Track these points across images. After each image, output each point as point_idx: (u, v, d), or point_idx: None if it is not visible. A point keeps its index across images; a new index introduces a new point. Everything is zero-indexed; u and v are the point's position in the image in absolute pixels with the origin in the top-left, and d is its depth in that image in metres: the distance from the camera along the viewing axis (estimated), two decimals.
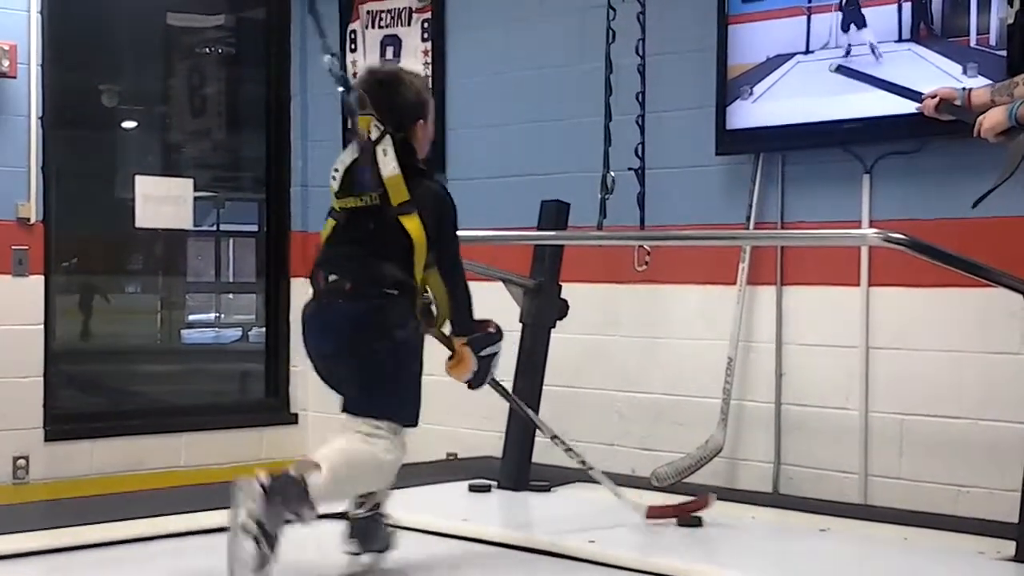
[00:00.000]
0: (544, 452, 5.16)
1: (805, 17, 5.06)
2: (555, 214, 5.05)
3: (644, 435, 5.59)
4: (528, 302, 4.92)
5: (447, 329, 3.69)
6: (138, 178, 6.65)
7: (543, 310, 4.93)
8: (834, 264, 5.08)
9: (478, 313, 3.71)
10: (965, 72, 4.61)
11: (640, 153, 5.58)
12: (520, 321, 4.97)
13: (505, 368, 4.77)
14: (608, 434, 5.71)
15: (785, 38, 5.11)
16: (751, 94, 5.20)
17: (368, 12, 6.73)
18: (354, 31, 6.78)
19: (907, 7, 4.79)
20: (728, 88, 5.25)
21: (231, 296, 8.38)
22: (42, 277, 6.20)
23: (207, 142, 7.56)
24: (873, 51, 4.86)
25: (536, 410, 4.91)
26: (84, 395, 6.86)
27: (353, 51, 6.77)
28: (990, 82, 4.27)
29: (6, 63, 5.97)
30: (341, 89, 3.58)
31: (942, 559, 3.93)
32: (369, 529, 3.64)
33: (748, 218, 5.28)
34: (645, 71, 5.55)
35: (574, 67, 5.87)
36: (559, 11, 5.97)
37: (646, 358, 5.63)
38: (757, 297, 5.33)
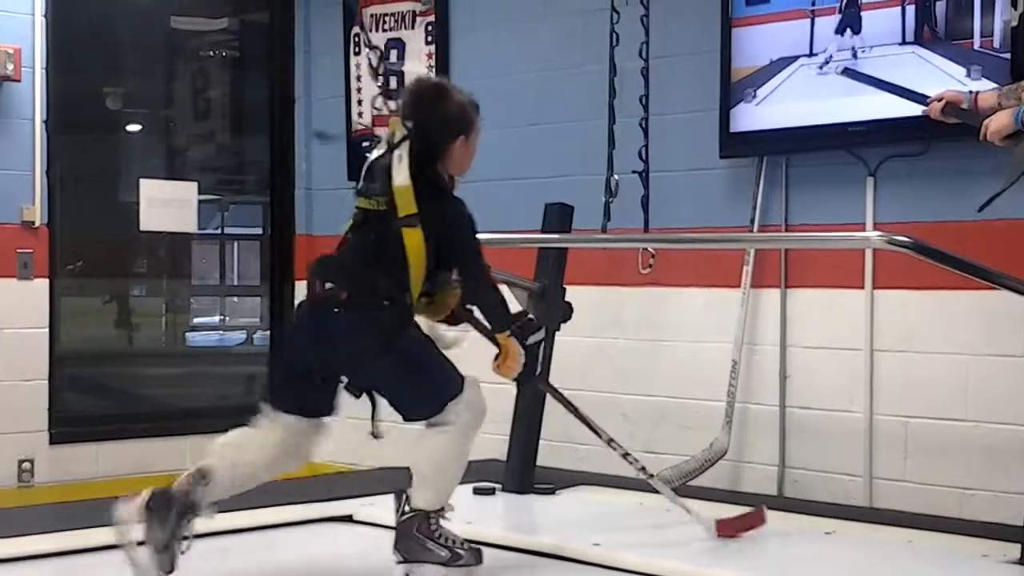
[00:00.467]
0: (548, 455, 5.17)
1: (809, 20, 5.06)
2: (559, 217, 5.05)
3: (648, 438, 5.58)
4: (532, 305, 4.92)
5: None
6: (142, 181, 6.66)
7: (547, 313, 4.92)
8: (838, 267, 5.08)
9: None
10: (969, 75, 4.61)
11: (644, 156, 5.58)
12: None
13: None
14: (612, 436, 5.69)
15: (789, 41, 5.11)
16: (755, 97, 5.20)
17: (372, 15, 6.74)
18: (357, 34, 6.78)
19: (911, 10, 4.78)
20: (732, 91, 5.25)
21: (235, 299, 8.39)
22: (47, 280, 6.21)
23: (211, 145, 7.57)
24: (869, 53, 4.86)
25: (541, 412, 4.92)
26: (89, 398, 6.87)
27: (357, 54, 6.78)
28: (995, 85, 4.27)
29: (11, 67, 5.97)
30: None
31: (947, 562, 3.92)
32: (412, 535, 3.56)
33: (752, 221, 5.29)
34: (649, 74, 5.55)
35: (578, 70, 5.87)
36: (563, 14, 5.97)
37: (650, 361, 5.63)
38: (761, 300, 5.32)
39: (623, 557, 3.81)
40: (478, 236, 3.65)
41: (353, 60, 6.80)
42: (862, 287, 5.02)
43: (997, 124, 3.87)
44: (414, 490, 3.51)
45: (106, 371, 7.12)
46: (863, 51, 4.90)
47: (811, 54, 5.05)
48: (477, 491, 4.86)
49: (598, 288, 5.66)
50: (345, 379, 3.57)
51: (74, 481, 6.15)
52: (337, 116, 6.87)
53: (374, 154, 3.60)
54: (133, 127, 7.31)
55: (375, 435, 3.57)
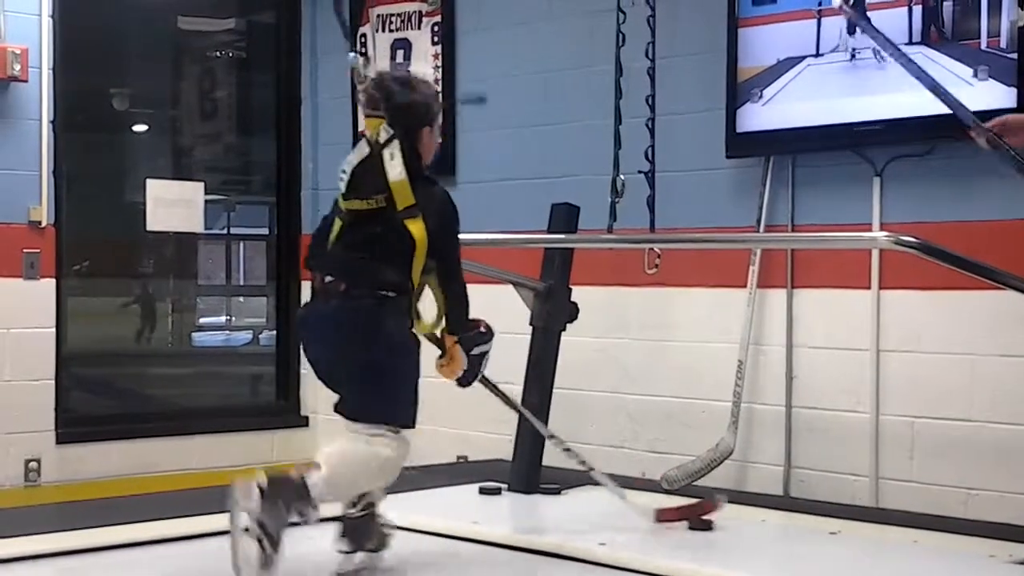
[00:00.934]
0: (555, 455, 5.17)
1: (815, 20, 5.06)
2: (565, 217, 5.06)
3: (654, 438, 5.58)
4: (538, 305, 4.93)
5: (439, 330, 3.71)
6: (149, 181, 6.67)
7: (553, 313, 4.93)
8: (845, 267, 5.07)
9: (481, 313, 3.73)
10: (976, 75, 4.61)
11: (650, 156, 5.57)
12: (530, 324, 4.97)
13: (515, 371, 4.81)
14: (618, 437, 5.71)
15: (795, 41, 5.11)
16: (761, 97, 5.19)
17: (378, 16, 6.74)
18: (364, 35, 6.78)
19: (917, 10, 4.78)
20: (738, 91, 5.25)
21: (242, 299, 8.39)
22: (53, 280, 6.22)
23: (218, 145, 7.58)
24: (877, 56, 4.86)
25: (547, 413, 4.92)
26: (95, 398, 6.88)
27: (363, 55, 6.78)
28: (1002, 85, 4.26)
29: (18, 67, 5.98)
30: (360, 88, 3.60)
31: (952, 562, 3.92)
32: (362, 528, 3.64)
33: (758, 221, 5.28)
34: (655, 74, 5.54)
35: (584, 70, 5.87)
36: (569, 14, 5.97)
37: (656, 361, 5.63)
38: (767, 300, 5.32)
39: (628, 557, 3.81)
40: (459, 224, 3.66)
41: (359, 60, 6.80)
42: (868, 287, 5.02)
43: None
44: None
45: (112, 371, 7.13)
46: (870, 51, 4.89)
47: (817, 54, 5.05)
48: (483, 491, 4.87)
49: (604, 288, 5.66)
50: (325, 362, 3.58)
51: (81, 481, 6.16)
52: (343, 116, 6.87)
53: (354, 159, 3.61)
54: (140, 127, 7.32)
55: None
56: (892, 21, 4.82)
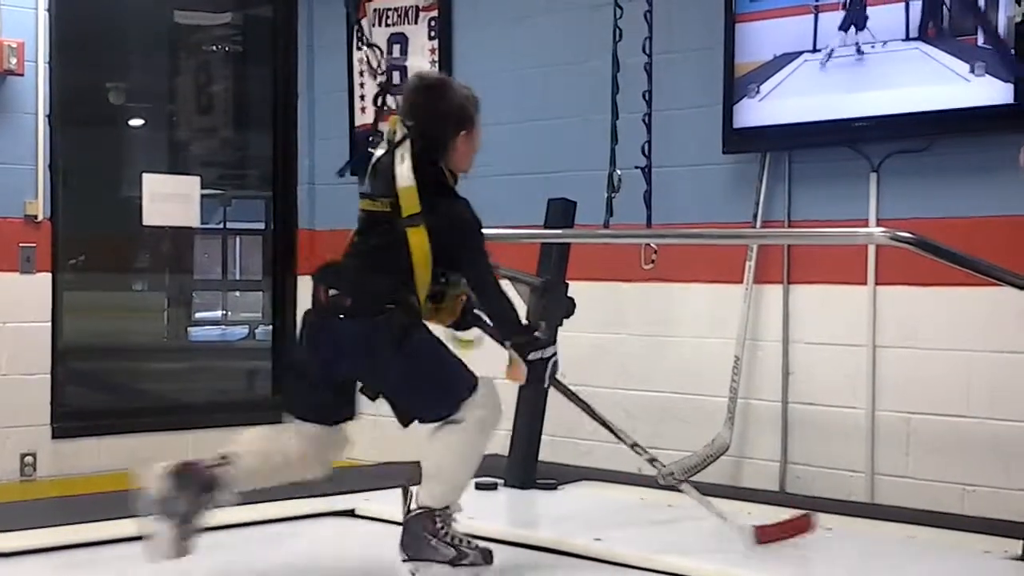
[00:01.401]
0: (551, 450, 5.17)
1: (812, 15, 5.06)
2: (562, 212, 5.05)
3: (650, 433, 5.57)
4: (535, 300, 4.92)
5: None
6: (145, 176, 6.67)
7: (550, 308, 4.92)
8: (841, 263, 5.07)
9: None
10: (972, 71, 4.60)
11: (647, 151, 5.56)
12: (527, 319, 4.97)
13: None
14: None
15: (792, 36, 5.10)
16: (758, 92, 5.19)
17: (375, 10, 6.74)
18: (361, 29, 6.78)
19: (915, 6, 4.78)
20: (735, 86, 5.25)
21: (238, 294, 8.39)
22: (49, 275, 6.21)
23: (214, 140, 7.57)
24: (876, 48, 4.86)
25: (543, 408, 4.91)
26: (91, 392, 6.87)
27: (360, 49, 6.77)
28: (999, 81, 4.26)
29: (14, 60, 5.98)
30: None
31: (948, 558, 3.92)
32: (419, 534, 3.52)
33: (755, 216, 5.28)
34: (652, 69, 5.54)
35: (581, 65, 5.87)
36: (566, 9, 5.97)
37: (653, 356, 5.63)
38: (764, 296, 5.32)
39: (625, 552, 3.82)
40: (483, 237, 3.61)
41: (356, 55, 6.80)
42: (865, 283, 5.02)
43: None
44: (423, 486, 3.50)
45: (108, 365, 7.12)
46: (867, 47, 4.89)
47: (814, 49, 5.05)
48: (479, 486, 4.85)
49: (601, 284, 5.66)
50: (360, 383, 3.57)
51: (76, 475, 6.16)
52: (340, 111, 6.86)
53: (377, 153, 3.58)
54: (136, 122, 7.31)
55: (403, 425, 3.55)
56: (890, 17, 4.83)
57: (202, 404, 7.00)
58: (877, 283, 5.00)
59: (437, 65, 6.40)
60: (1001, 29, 4.57)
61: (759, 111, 5.20)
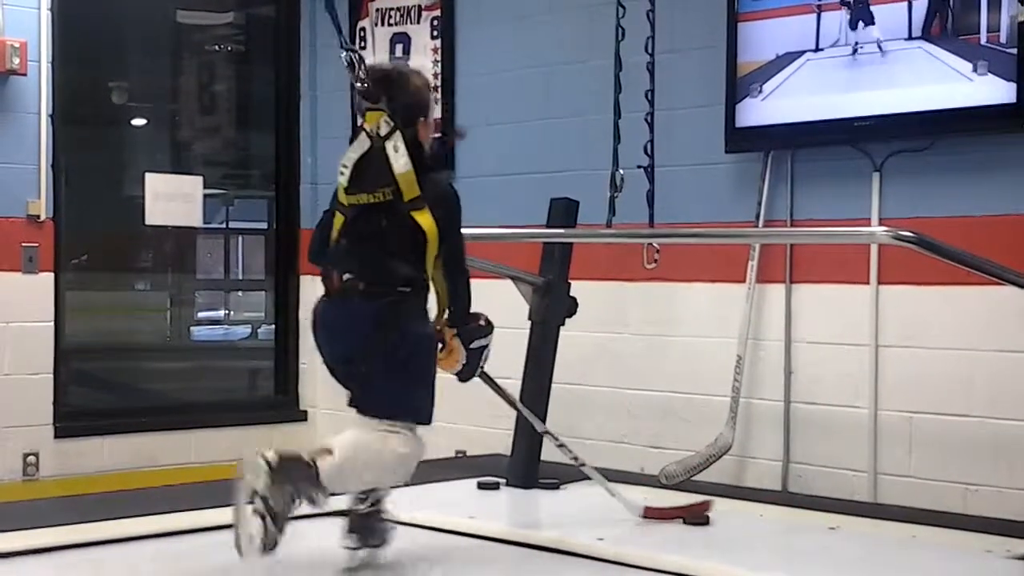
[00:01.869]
0: (553, 450, 5.17)
1: (815, 15, 5.05)
2: (564, 212, 5.05)
3: (653, 433, 5.59)
4: (537, 300, 4.93)
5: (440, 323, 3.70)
6: (148, 175, 6.66)
7: (552, 308, 4.93)
8: (844, 262, 5.07)
9: (480, 308, 3.72)
10: (975, 70, 4.60)
11: (649, 151, 5.57)
12: (529, 319, 4.97)
13: (514, 365, 4.80)
14: (617, 432, 5.71)
15: (795, 36, 5.10)
16: (760, 92, 5.19)
17: (377, 10, 6.74)
18: (363, 28, 6.78)
19: (917, 5, 4.78)
20: (738, 86, 5.24)
21: (240, 293, 8.38)
22: (52, 274, 6.22)
23: (217, 139, 7.57)
24: (880, 48, 4.86)
25: (545, 408, 4.92)
26: (94, 392, 6.87)
27: (362, 48, 6.78)
28: (1001, 80, 4.26)
29: (16, 60, 5.98)
30: (357, 85, 3.60)
31: (951, 557, 3.92)
32: (368, 525, 3.64)
33: (757, 216, 5.28)
34: (654, 69, 5.54)
35: (583, 64, 5.86)
36: (568, 8, 5.96)
37: (655, 356, 5.63)
38: (766, 295, 5.32)
39: (627, 552, 3.82)
40: (461, 212, 3.64)
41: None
42: (867, 283, 5.02)
43: None
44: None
45: (111, 365, 7.12)
46: (870, 46, 4.89)
47: (817, 49, 5.04)
48: (481, 486, 4.87)
49: (603, 283, 5.66)
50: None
51: (79, 475, 6.16)
52: (342, 111, 6.86)
53: (356, 151, 3.59)
54: (138, 121, 7.31)
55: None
56: (893, 16, 4.83)
57: (205, 404, 7.01)
58: (879, 282, 5.00)
59: (440, 64, 6.40)
60: (1004, 28, 4.56)
61: (761, 110, 5.20)
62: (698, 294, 5.52)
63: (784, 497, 5.00)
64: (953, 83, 4.65)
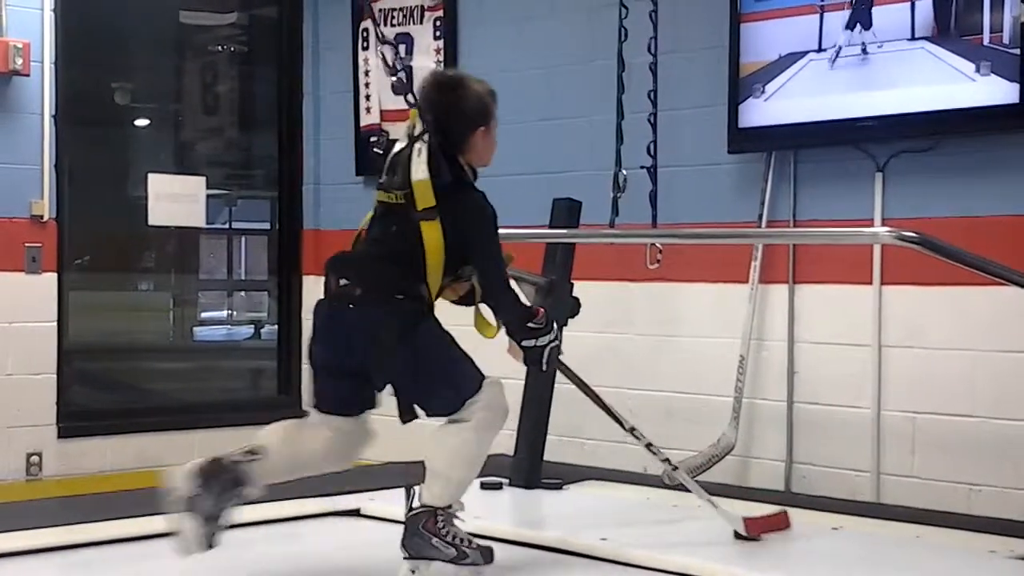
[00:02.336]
0: (556, 450, 5.17)
1: (818, 15, 5.05)
2: (567, 212, 5.05)
3: (656, 433, 5.54)
4: (540, 300, 4.91)
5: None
6: (151, 176, 6.67)
7: (555, 308, 4.91)
8: (847, 262, 5.07)
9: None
10: (978, 70, 4.60)
11: (652, 151, 5.57)
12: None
13: (517, 365, 4.79)
14: (619, 432, 5.65)
15: (797, 36, 5.10)
16: (763, 92, 5.19)
17: (380, 10, 6.74)
18: (366, 29, 6.78)
19: (920, 5, 4.77)
20: (740, 86, 5.24)
21: (243, 294, 8.39)
22: (55, 275, 6.22)
23: (220, 140, 7.58)
24: (882, 48, 4.85)
25: (548, 407, 4.92)
26: (97, 392, 6.88)
27: (365, 49, 6.78)
28: (1004, 80, 4.26)
29: (20, 61, 5.98)
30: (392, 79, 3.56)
31: (954, 557, 3.92)
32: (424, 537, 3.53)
33: (760, 216, 5.28)
34: (657, 69, 5.54)
35: (586, 65, 5.87)
36: (571, 9, 5.97)
37: (658, 356, 5.63)
38: (769, 295, 5.32)
39: (630, 552, 3.82)
40: (498, 230, 3.59)
41: (361, 55, 6.80)
42: (870, 283, 5.02)
43: None
44: (425, 485, 3.49)
45: (114, 365, 7.12)
46: (873, 46, 4.89)
47: (820, 49, 5.04)
48: (484, 486, 4.86)
49: (606, 283, 5.66)
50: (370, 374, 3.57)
51: (82, 475, 6.17)
52: (345, 111, 6.87)
53: (396, 147, 3.58)
54: (141, 122, 7.31)
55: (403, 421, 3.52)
56: (896, 16, 4.83)
57: (208, 404, 7.01)
58: (883, 283, 5.00)
59: (442, 65, 6.40)
60: (1007, 28, 4.56)
61: (764, 111, 5.20)
62: (701, 294, 5.52)
63: (787, 497, 5.00)
64: (956, 83, 4.65)
